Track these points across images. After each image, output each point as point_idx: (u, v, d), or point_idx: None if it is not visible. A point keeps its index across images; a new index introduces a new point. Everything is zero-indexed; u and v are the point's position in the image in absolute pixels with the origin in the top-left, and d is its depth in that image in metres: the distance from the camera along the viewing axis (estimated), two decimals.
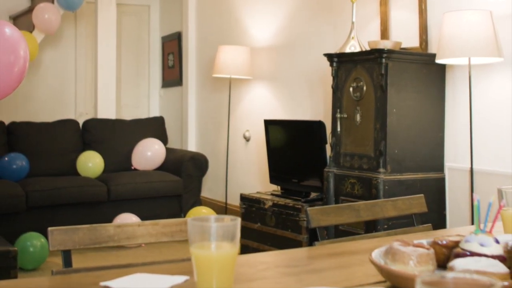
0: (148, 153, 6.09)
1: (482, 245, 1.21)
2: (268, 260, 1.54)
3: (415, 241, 1.28)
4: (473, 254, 1.21)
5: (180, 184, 5.88)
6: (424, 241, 1.39)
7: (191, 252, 1.19)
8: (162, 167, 6.14)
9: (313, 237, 4.29)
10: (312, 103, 5.30)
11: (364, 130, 4.00)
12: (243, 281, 1.35)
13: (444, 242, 1.31)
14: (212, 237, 1.19)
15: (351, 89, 4.09)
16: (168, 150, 6.33)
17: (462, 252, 1.23)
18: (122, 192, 5.62)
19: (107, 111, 6.68)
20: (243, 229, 5.12)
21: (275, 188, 5.31)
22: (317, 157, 4.66)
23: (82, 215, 5.39)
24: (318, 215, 1.81)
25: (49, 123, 6.06)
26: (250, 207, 5.03)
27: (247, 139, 6.21)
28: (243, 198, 5.14)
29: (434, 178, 3.97)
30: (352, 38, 4.26)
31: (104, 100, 6.70)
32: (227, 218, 1.22)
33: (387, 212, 2.03)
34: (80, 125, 6.21)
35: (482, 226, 1.28)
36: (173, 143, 7.33)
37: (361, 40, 4.33)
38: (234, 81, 6.24)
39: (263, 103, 5.99)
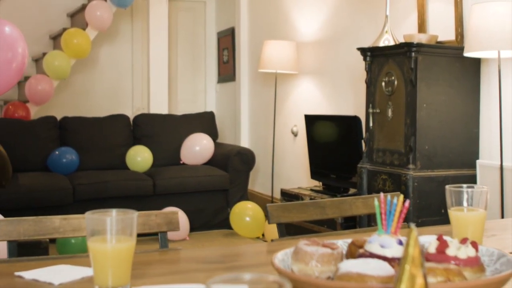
0: (197, 148, 6.13)
1: (382, 246, 1.16)
2: (205, 255, 1.53)
3: (326, 241, 1.24)
4: (373, 255, 1.16)
5: (227, 178, 5.90)
6: (349, 240, 1.35)
7: (88, 246, 1.20)
8: (210, 162, 6.17)
9: None
10: (355, 98, 5.22)
11: (395, 126, 3.92)
12: (150, 276, 1.35)
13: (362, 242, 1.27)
14: (108, 231, 1.19)
15: (383, 83, 4.01)
16: (217, 145, 6.36)
17: (364, 253, 1.19)
18: (168, 186, 5.69)
19: (159, 106, 6.79)
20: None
21: (317, 184, 5.27)
22: (354, 152, 4.59)
23: (128, 209, 5.48)
24: (278, 212, 1.78)
25: (100, 118, 6.19)
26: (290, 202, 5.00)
27: (295, 134, 6.17)
28: (283, 193, 5.13)
29: (467, 175, 3.84)
30: (386, 32, 4.17)
31: (156, 95, 6.81)
32: (127, 212, 1.23)
33: (357, 209, 1.98)
34: (131, 120, 6.32)
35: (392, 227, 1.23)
36: (227, 138, 7.38)
37: (398, 34, 4.23)
38: (281, 76, 6.22)
39: (309, 98, 5.94)
